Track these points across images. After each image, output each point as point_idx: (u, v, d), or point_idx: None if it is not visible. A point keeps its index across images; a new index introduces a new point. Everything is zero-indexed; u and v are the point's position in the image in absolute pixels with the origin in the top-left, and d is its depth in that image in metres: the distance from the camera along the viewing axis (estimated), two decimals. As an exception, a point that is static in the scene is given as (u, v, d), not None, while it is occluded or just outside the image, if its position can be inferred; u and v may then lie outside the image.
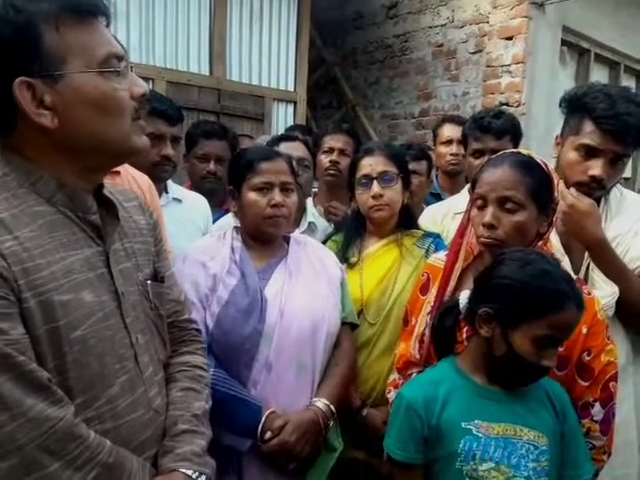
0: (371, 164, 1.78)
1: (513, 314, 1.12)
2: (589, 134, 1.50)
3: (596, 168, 1.50)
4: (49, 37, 0.81)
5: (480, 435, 1.14)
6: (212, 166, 2.33)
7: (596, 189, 1.53)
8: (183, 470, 0.96)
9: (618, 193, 1.65)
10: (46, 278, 0.82)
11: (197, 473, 0.97)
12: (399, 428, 1.20)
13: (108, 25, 0.90)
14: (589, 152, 1.51)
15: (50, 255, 0.83)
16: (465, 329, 1.29)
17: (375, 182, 1.75)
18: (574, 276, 1.36)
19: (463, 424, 1.15)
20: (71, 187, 0.89)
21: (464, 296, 1.24)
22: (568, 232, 1.55)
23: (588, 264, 1.57)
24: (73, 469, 0.80)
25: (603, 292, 1.50)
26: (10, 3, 0.80)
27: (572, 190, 1.54)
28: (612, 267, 1.52)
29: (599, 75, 4.61)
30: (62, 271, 0.84)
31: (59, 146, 0.86)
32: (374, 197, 1.75)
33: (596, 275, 1.55)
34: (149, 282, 1.04)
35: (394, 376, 1.55)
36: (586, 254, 1.57)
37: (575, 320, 1.13)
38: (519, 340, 1.11)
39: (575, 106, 1.57)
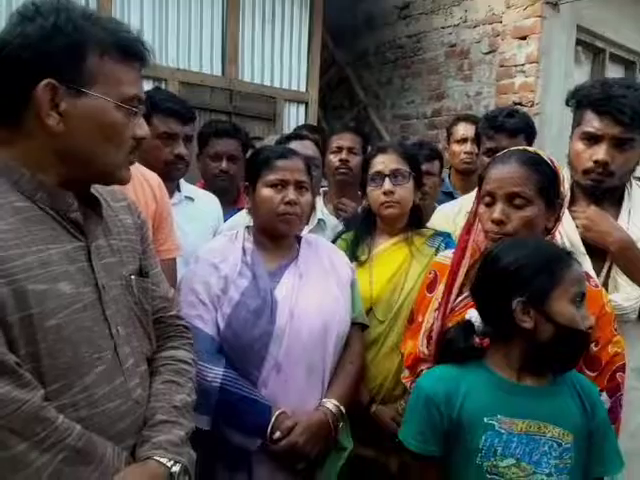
0: (384, 161, 1.78)
1: (542, 289, 1.10)
2: (588, 121, 1.55)
3: (599, 152, 1.52)
4: (92, 60, 0.91)
5: (502, 431, 1.11)
6: (224, 165, 2.34)
7: (604, 175, 1.54)
8: (157, 458, 0.96)
9: None
10: (20, 267, 0.84)
11: (172, 462, 0.97)
12: (417, 420, 1.17)
13: (141, 69, 1.00)
14: (591, 139, 1.54)
15: (26, 247, 0.86)
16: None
17: (387, 179, 1.76)
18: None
19: (485, 419, 1.12)
20: (50, 186, 0.93)
21: (474, 314, 1.22)
22: (593, 240, 1.55)
23: (610, 265, 1.55)
24: (40, 451, 0.82)
25: (628, 295, 1.50)
26: (73, 20, 0.90)
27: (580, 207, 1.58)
28: (638, 269, 1.51)
29: (614, 74, 4.54)
30: (38, 262, 0.87)
31: (55, 150, 0.92)
32: (385, 194, 1.75)
33: (620, 278, 1.53)
34: (133, 277, 1.07)
35: (406, 373, 1.54)
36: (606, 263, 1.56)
37: (581, 272, 1.17)
38: (559, 309, 1.10)
39: (577, 100, 1.61)
